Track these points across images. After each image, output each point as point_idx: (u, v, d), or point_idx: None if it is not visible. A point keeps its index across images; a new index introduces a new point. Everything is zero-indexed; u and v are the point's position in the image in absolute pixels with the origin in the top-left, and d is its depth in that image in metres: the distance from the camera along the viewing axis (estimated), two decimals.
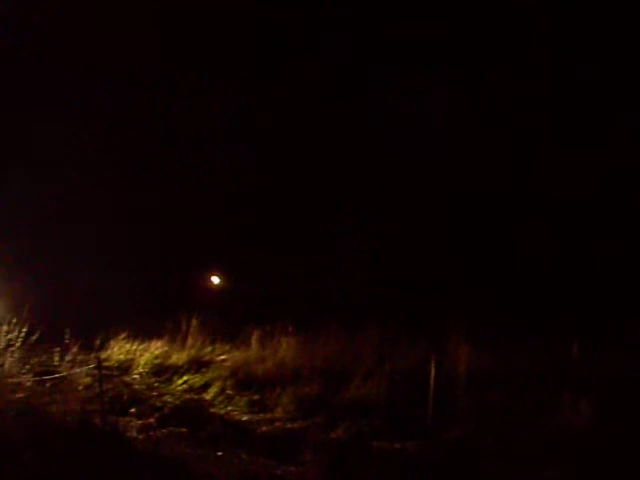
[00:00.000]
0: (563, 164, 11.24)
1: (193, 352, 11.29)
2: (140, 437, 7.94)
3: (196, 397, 9.67)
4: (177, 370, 10.75)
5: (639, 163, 10.66)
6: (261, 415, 8.88)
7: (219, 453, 7.58)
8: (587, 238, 10.98)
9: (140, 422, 8.43)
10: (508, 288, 10.97)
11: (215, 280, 13.97)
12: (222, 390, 9.79)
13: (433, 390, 8.18)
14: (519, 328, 9.96)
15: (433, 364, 8.25)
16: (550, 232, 11.14)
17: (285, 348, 10.77)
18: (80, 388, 9.21)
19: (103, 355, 10.93)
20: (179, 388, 10.16)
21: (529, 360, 9.47)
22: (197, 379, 10.35)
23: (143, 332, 11.73)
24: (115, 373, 10.67)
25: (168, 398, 9.48)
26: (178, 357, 11.13)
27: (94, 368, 8.88)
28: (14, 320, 9.07)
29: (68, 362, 9.54)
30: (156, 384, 10.36)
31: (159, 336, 11.76)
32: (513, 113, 10.81)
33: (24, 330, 9.01)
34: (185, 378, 10.46)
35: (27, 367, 9.14)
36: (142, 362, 11.03)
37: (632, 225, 10.65)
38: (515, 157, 11.43)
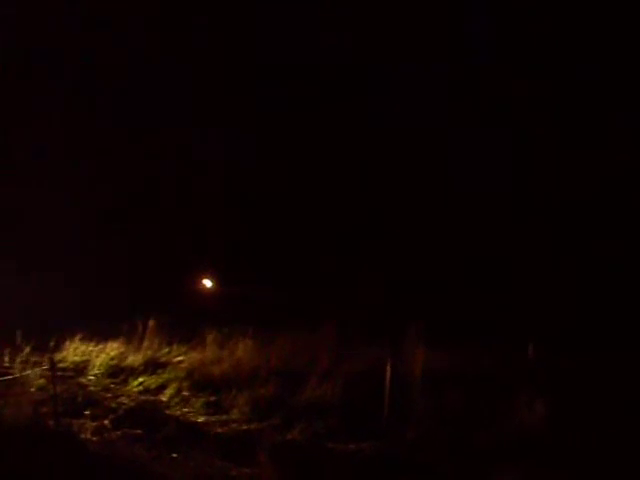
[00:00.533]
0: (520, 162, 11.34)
1: (149, 353, 11.23)
2: (94, 439, 7.86)
3: (152, 398, 9.62)
4: (133, 371, 10.69)
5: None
6: (217, 416, 8.85)
7: (174, 455, 7.54)
8: (542, 239, 11.12)
9: (94, 424, 8.35)
10: (466, 290, 11.07)
11: (203, 282, 13.80)
12: (178, 391, 9.74)
13: (389, 391, 8.23)
14: (476, 329, 10.07)
15: (389, 365, 8.30)
16: (507, 233, 11.24)
17: (242, 349, 10.77)
18: (33, 390, 9.11)
19: (58, 356, 10.82)
20: (135, 389, 10.10)
21: (486, 361, 9.58)
22: (153, 380, 10.30)
23: (100, 334, 11.65)
24: (70, 374, 10.57)
25: (123, 399, 9.42)
26: (134, 358, 11.07)
27: (48, 369, 8.79)
28: None
29: (20, 363, 9.42)
30: (111, 385, 10.29)
31: (116, 337, 11.69)
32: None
33: None
34: (141, 379, 10.40)
35: None
36: (98, 363, 10.94)
37: (587, 228, 10.81)
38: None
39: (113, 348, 11.28)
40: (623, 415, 7.67)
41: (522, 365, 9.28)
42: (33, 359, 9.79)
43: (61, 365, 10.37)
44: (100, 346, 11.40)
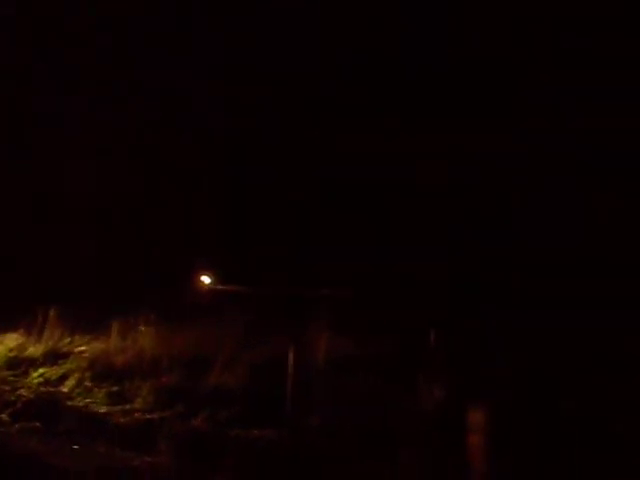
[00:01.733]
0: None
1: (50, 344, 10.99)
2: None
3: (52, 390, 9.45)
4: (33, 363, 10.44)
5: None
6: (120, 407, 8.78)
7: (75, 446, 7.48)
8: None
9: None
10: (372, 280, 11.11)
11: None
12: (80, 382, 9.60)
13: (292, 378, 8.34)
14: (380, 316, 10.20)
15: (292, 352, 8.42)
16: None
17: (146, 338, 10.68)
18: None
19: None
20: (35, 381, 9.89)
21: (390, 347, 9.77)
22: (54, 372, 10.10)
23: None
24: None
25: (23, 392, 9.23)
26: (35, 349, 10.82)
27: None
28: None
29: None
30: (10, 378, 10.04)
31: (15, 328, 11.40)
32: None
33: None
34: (41, 371, 10.19)
35: None
36: None
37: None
38: None
39: (12, 339, 11.01)
40: (520, 397, 7.98)
41: (424, 350, 9.51)
42: None
43: None
44: None
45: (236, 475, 6.97)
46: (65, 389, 9.55)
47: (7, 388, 9.41)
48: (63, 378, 9.92)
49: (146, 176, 11.48)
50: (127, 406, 8.79)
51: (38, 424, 7.91)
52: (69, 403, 8.83)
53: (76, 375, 9.84)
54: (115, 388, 9.42)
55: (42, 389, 9.48)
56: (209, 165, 10.66)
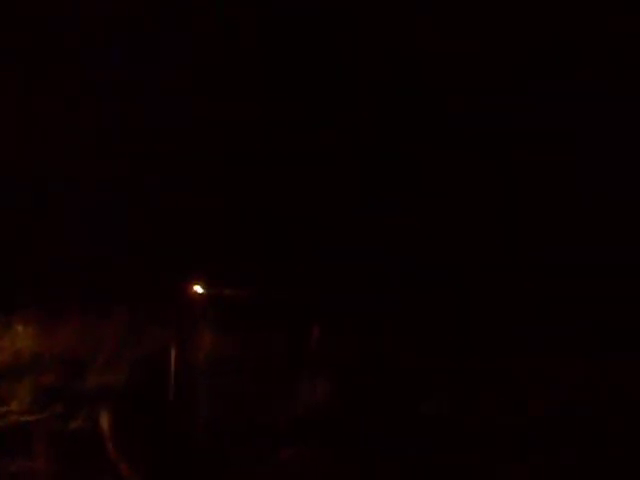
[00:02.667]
0: None
1: None
2: None
3: None
4: None
5: None
6: None
7: None
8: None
9: None
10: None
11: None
12: None
13: (174, 376, 8.29)
14: (264, 313, 10.22)
15: (174, 349, 8.36)
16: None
17: (24, 336, 10.36)
18: None
19: None
20: None
21: (276, 343, 9.81)
22: None
23: None
24: None
25: None
26: None
27: None
28: None
29: None
30: None
31: None
32: None
33: None
34: None
35: None
36: None
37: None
38: None
39: None
40: (404, 395, 8.21)
41: (309, 346, 9.62)
42: None
43: None
44: None
45: (116, 475, 6.90)
46: None
47: None
48: None
49: None
50: (3, 408, 8.52)
51: None
52: None
53: None
54: None
55: None
56: None
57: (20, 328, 10.53)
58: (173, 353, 8.36)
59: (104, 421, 3.56)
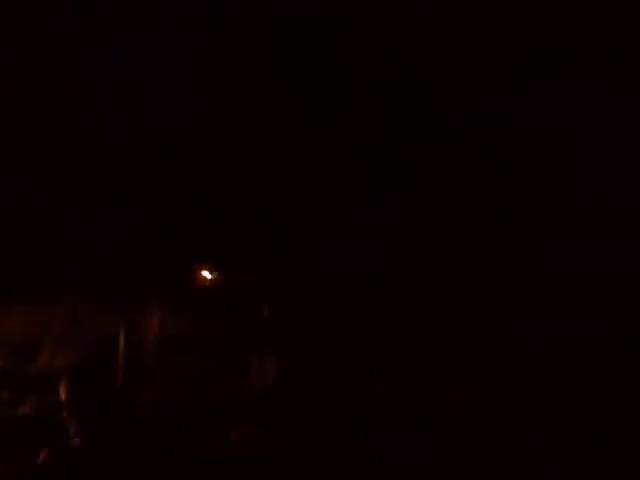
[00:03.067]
0: None
1: None
2: None
3: None
4: None
5: None
6: None
7: None
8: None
9: None
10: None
11: None
12: None
13: (123, 358, 8.26)
14: (216, 294, 10.02)
15: (123, 330, 8.34)
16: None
17: None
18: None
19: None
20: None
21: (226, 324, 9.64)
22: None
23: None
24: None
25: None
26: None
27: None
28: None
29: None
30: None
31: None
32: None
33: None
34: None
35: None
36: None
37: None
38: None
39: None
40: (354, 372, 8.21)
41: (258, 326, 9.52)
42: None
43: None
44: None
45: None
46: None
47: None
48: None
49: None
50: None
51: None
52: None
53: None
54: None
55: None
56: None
57: None
58: (123, 335, 8.33)
59: (62, 390, 3.68)
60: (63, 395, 4.01)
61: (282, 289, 9.58)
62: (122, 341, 8.26)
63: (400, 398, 7.87)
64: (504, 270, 8.89)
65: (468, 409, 7.72)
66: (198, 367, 8.34)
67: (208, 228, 9.77)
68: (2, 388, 8.38)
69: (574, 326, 8.34)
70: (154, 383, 7.99)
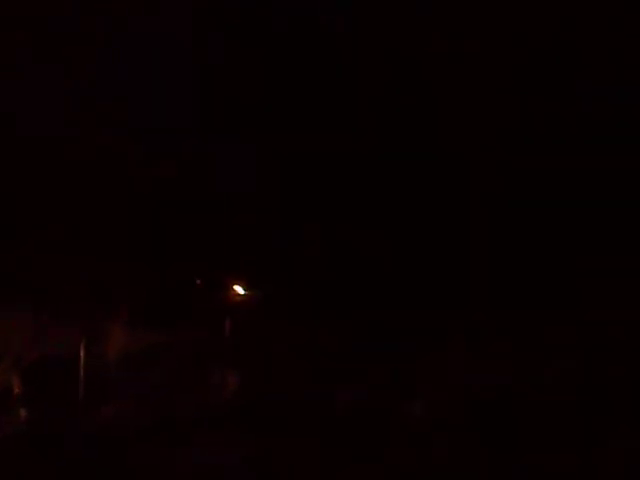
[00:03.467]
0: None
1: None
2: None
3: None
4: None
5: None
6: None
7: None
8: None
9: None
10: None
11: None
12: None
13: (84, 371, 8.23)
14: (178, 307, 9.93)
15: (83, 345, 8.31)
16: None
17: None
18: None
19: None
20: None
21: (186, 337, 9.57)
22: None
23: None
24: None
25: None
26: None
27: None
28: None
29: None
30: None
31: None
32: None
33: None
34: None
35: None
36: None
37: None
38: None
39: None
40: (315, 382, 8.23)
41: (220, 338, 9.48)
42: None
43: None
44: None
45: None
46: None
47: None
48: None
49: None
50: None
51: None
52: None
53: None
54: None
55: None
56: None
57: None
58: (83, 348, 8.30)
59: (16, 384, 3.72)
60: (16, 388, 3.94)
61: (245, 302, 9.55)
62: (82, 355, 8.22)
63: (363, 406, 7.90)
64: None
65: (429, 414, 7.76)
66: (161, 380, 8.31)
67: (171, 240, 9.73)
68: None
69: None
70: (116, 397, 7.98)
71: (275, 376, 8.33)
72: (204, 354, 8.89)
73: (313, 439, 7.41)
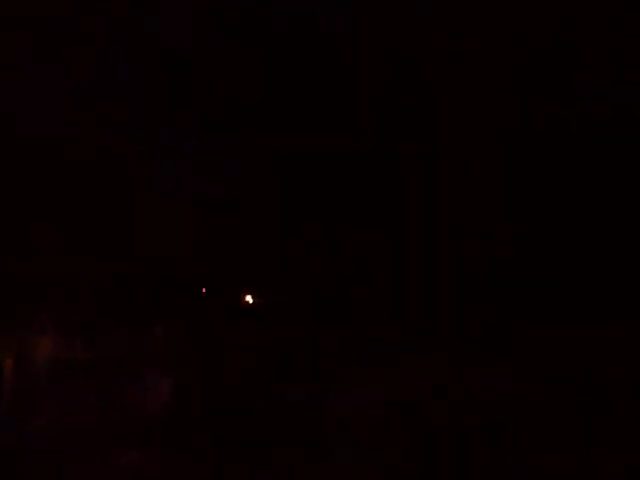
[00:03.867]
0: None
1: None
2: None
3: None
4: None
5: None
6: None
7: None
8: None
9: None
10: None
11: None
12: None
13: (12, 383, 8.12)
14: (109, 314, 9.80)
15: (11, 356, 8.21)
16: None
17: None
18: None
19: None
20: None
21: (118, 346, 9.47)
22: None
23: None
24: None
25: None
26: None
27: None
28: None
29: None
30: None
31: None
32: None
33: None
34: None
35: None
36: None
37: None
38: None
39: None
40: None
41: (151, 347, 9.39)
42: None
43: None
44: None
45: None
46: None
47: None
48: None
49: None
50: None
51: None
52: None
53: None
54: None
55: None
56: None
57: None
58: (10, 359, 8.21)
59: None
60: None
61: (178, 308, 9.45)
62: (8, 364, 8.12)
63: (299, 411, 7.84)
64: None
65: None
66: (91, 389, 8.21)
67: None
68: None
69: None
70: (45, 406, 7.88)
71: (205, 385, 8.23)
72: (138, 363, 8.71)
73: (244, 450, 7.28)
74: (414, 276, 9.01)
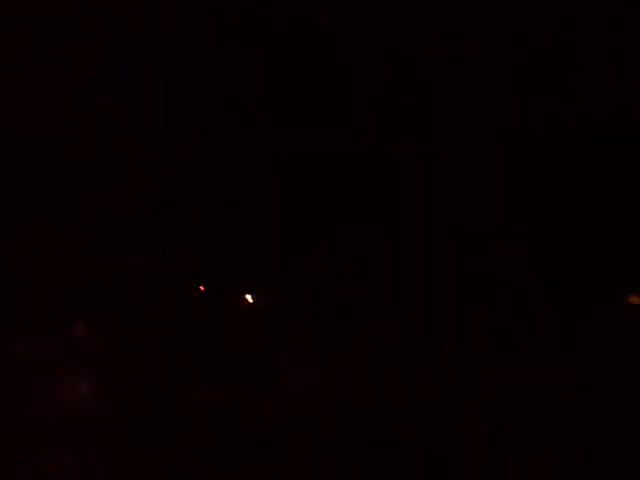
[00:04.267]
0: None
1: None
2: None
3: None
4: None
5: None
6: None
7: None
8: None
9: None
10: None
11: None
12: None
13: None
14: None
15: None
16: None
17: None
18: None
19: None
20: None
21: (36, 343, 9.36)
22: None
23: None
24: None
25: None
26: None
27: None
28: None
29: None
30: None
31: None
32: None
33: None
34: None
35: None
36: None
37: None
38: None
39: None
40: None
41: (69, 344, 9.30)
42: None
43: None
44: None
45: None
46: None
47: None
48: None
49: None
50: None
51: None
52: None
53: None
54: None
55: None
56: None
57: None
58: None
59: None
60: None
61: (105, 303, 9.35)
62: None
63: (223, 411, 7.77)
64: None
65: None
66: (12, 388, 8.10)
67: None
68: None
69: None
70: None
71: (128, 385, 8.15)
72: (57, 359, 8.60)
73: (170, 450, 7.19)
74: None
